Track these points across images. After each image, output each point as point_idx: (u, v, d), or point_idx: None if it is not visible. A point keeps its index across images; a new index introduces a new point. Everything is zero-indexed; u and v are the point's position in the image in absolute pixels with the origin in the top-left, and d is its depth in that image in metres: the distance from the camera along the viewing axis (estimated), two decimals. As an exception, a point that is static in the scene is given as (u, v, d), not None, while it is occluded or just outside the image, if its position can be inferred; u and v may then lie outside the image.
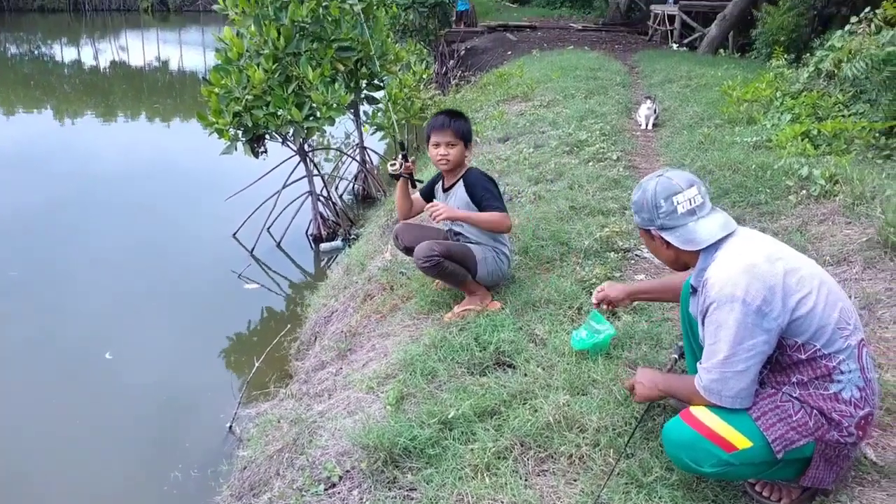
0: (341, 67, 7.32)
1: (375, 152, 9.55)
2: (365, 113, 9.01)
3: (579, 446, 2.54)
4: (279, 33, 6.63)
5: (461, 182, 3.77)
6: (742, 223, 4.61)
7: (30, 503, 3.90)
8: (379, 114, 8.47)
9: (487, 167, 6.41)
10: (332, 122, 6.87)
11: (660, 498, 2.29)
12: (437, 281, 4.14)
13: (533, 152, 6.82)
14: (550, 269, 4.20)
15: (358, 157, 9.19)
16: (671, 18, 17.76)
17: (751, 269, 2.06)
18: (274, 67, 6.61)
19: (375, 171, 9.31)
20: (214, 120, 6.68)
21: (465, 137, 3.72)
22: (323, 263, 7.32)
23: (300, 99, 6.70)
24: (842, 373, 2.08)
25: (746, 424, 2.09)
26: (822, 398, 2.10)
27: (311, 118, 6.73)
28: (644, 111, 8.27)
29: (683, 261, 2.36)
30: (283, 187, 7.72)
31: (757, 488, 2.32)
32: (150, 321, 5.91)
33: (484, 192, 3.64)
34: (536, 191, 5.61)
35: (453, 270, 3.61)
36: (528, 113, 8.70)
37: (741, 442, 2.08)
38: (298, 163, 7.74)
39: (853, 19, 7.12)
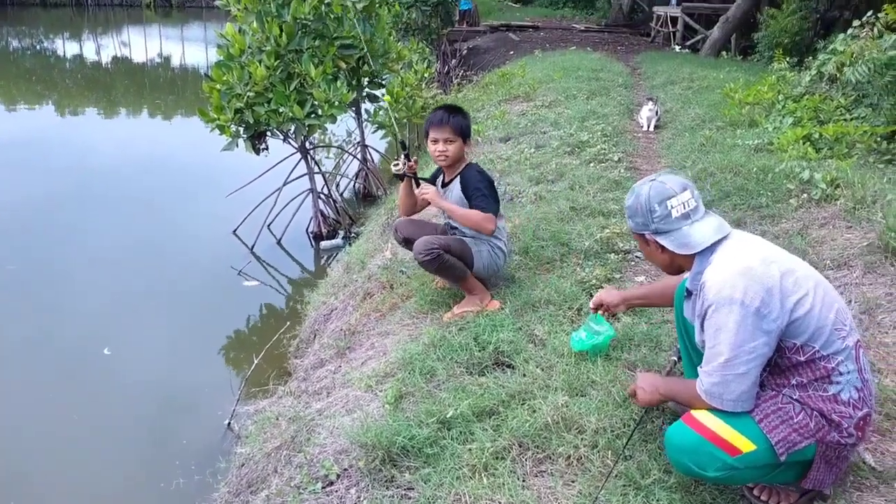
0: (343, 65, 7.32)
1: (377, 150, 9.55)
2: (366, 111, 9.01)
3: (577, 447, 2.54)
4: (281, 30, 6.62)
5: (458, 178, 3.78)
6: (743, 226, 4.65)
7: (28, 501, 3.89)
8: (380, 112, 8.47)
9: (489, 167, 6.41)
10: (333, 119, 6.87)
11: (658, 500, 2.28)
12: (436, 280, 4.15)
13: (534, 152, 6.82)
14: (550, 269, 4.19)
15: (359, 155, 9.19)
16: (674, 20, 17.75)
17: (747, 271, 2.06)
18: (276, 64, 6.60)
19: (376, 170, 9.31)
20: (216, 116, 6.68)
21: (464, 133, 3.72)
22: (323, 261, 7.33)
23: (302, 96, 6.70)
24: (840, 374, 2.09)
25: (750, 427, 2.09)
26: (822, 400, 2.10)
27: (312, 115, 6.73)
28: (646, 113, 8.26)
29: (678, 264, 2.36)
30: (284, 184, 7.72)
31: (755, 492, 2.32)
32: (150, 318, 5.91)
33: (474, 190, 3.65)
34: (537, 191, 5.61)
35: (453, 264, 3.62)
36: (529, 113, 8.69)
37: (745, 445, 2.07)
38: (299, 160, 7.74)
39: (855, 23, 7.11)
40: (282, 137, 7.35)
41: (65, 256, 7.09)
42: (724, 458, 2.08)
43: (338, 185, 9.27)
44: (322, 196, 7.85)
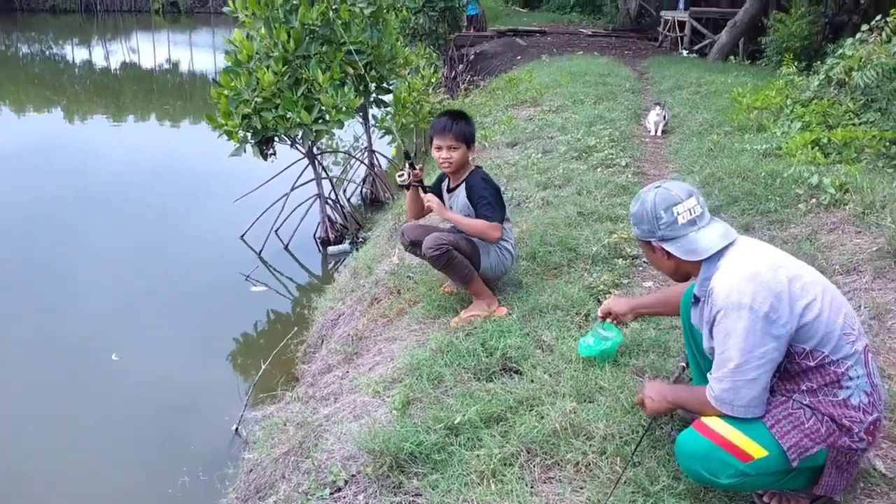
0: (351, 70, 7.34)
1: (384, 156, 9.56)
2: (374, 116, 9.03)
3: (586, 454, 2.53)
4: (289, 36, 6.65)
5: (464, 184, 3.80)
6: (751, 231, 4.63)
7: (34, 504, 3.91)
8: (388, 117, 8.48)
9: (496, 172, 6.41)
10: (340, 125, 6.88)
11: (666, 507, 2.27)
12: (444, 285, 4.15)
13: (541, 157, 6.82)
14: (558, 274, 4.19)
15: (366, 161, 9.20)
16: (681, 25, 17.73)
17: (755, 276, 2.06)
18: (283, 70, 6.62)
19: (384, 175, 9.32)
20: (224, 122, 6.69)
21: (468, 140, 3.74)
22: (330, 266, 7.33)
23: (309, 102, 6.71)
24: (850, 378, 2.08)
25: (761, 433, 2.08)
26: (832, 404, 2.09)
27: (319, 121, 6.74)
28: (653, 117, 8.25)
29: (685, 271, 2.35)
30: (292, 190, 7.74)
31: (765, 499, 2.30)
32: (157, 322, 5.93)
33: (479, 198, 3.68)
34: (544, 196, 5.61)
35: (460, 262, 3.65)
36: (536, 118, 8.70)
37: (757, 451, 2.06)
38: (307, 166, 7.76)
39: (864, 27, 7.09)
40: (289, 143, 7.37)
41: (73, 261, 7.12)
42: (737, 465, 2.06)
43: (345, 191, 9.29)
44: (329, 201, 7.87)
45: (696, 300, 2.33)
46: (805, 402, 2.12)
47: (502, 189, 5.74)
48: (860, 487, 2.35)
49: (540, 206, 5.40)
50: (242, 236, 7.61)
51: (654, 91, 11.25)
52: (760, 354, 2.03)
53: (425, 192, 3.99)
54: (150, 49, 28.32)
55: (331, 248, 7.59)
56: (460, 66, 17.09)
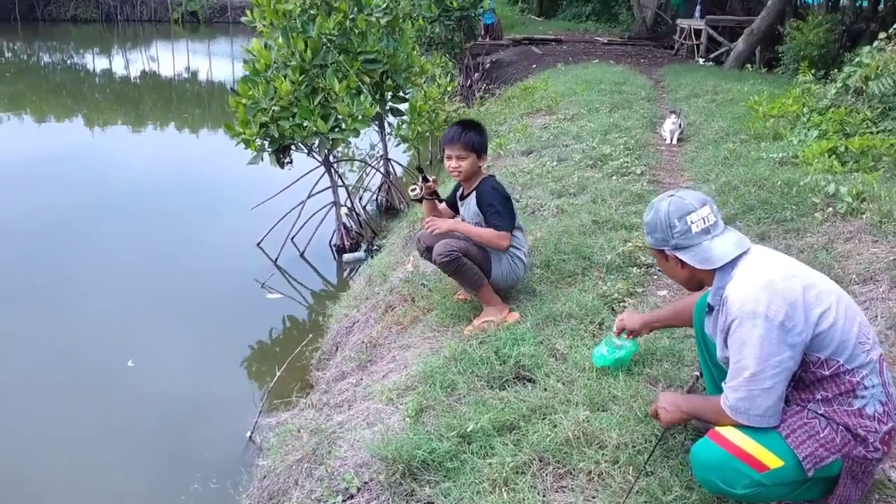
0: (367, 79, 7.39)
1: (399, 164, 9.60)
2: (389, 125, 9.07)
3: (598, 463, 2.52)
4: (306, 45, 6.70)
5: (474, 192, 3.83)
6: (767, 240, 4.61)
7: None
8: (403, 126, 8.52)
9: (510, 180, 6.42)
10: (356, 133, 6.92)
11: (679, 517, 2.27)
12: (458, 293, 4.17)
13: (556, 166, 6.82)
14: (572, 283, 4.19)
15: (382, 169, 9.25)
16: (697, 33, 17.67)
17: (770, 285, 2.06)
18: (301, 79, 6.68)
19: (399, 183, 9.36)
20: (241, 130, 6.76)
21: (477, 149, 3.78)
22: (345, 274, 7.37)
23: (326, 110, 6.76)
24: (865, 388, 2.07)
25: (777, 443, 2.07)
26: (847, 414, 2.08)
27: (336, 129, 6.78)
28: (669, 126, 8.23)
29: (698, 280, 2.35)
30: (308, 198, 7.79)
31: (778, 510, 2.29)
32: (174, 329, 5.98)
33: (488, 206, 3.72)
34: (559, 204, 5.61)
35: (469, 269, 3.68)
36: (552, 126, 8.70)
37: (772, 461, 2.05)
38: (323, 174, 7.81)
39: (881, 35, 7.04)
40: (306, 151, 7.42)
41: (91, 268, 7.20)
42: (752, 475, 2.06)
43: (361, 199, 9.33)
44: (345, 209, 7.91)
45: (710, 309, 2.33)
46: (820, 412, 2.11)
47: (517, 197, 5.80)
48: (875, 499, 2.32)
49: (555, 215, 5.40)
50: (259, 244, 7.66)
51: (669, 99, 11.22)
52: (776, 363, 2.02)
53: (440, 202, 4.04)
54: (170, 58, 28.59)
55: (346, 256, 7.62)
56: (476, 75, 17.13)
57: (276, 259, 7.43)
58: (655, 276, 4.32)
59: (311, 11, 6.93)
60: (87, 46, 30.73)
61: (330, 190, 7.74)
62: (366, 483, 2.72)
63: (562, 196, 5.87)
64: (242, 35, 32.24)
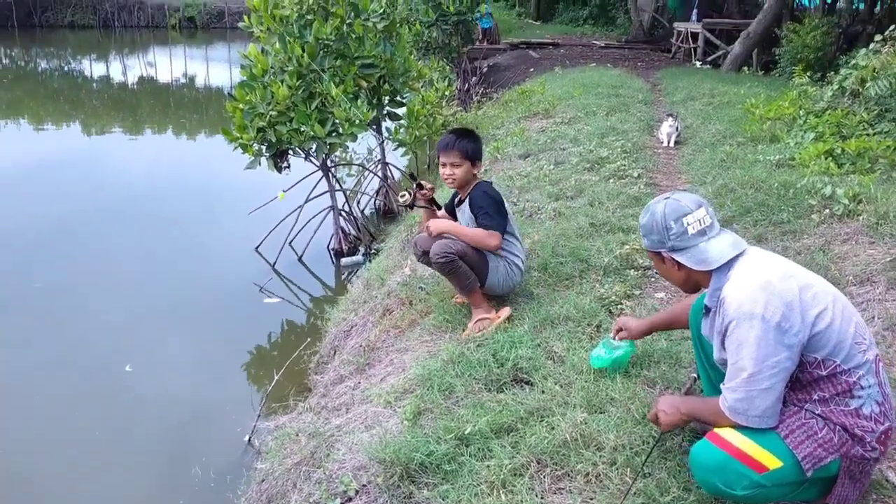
0: (364, 84, 7.40)
1: (397, 168, 9.61)
2: (387, 129, 9.09)
3: (596, 465, 2.53)
4: (303, 50, 6.72)
5: (468, 198, 3.87)
6: (764, 242, 4.62)
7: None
8: (401, 130, 8.53)
9: (508, 184, 6.43)
10: (354, 138, 6.93)
11: (677, 518, 2.27)
12: (455, 296, 4.17)
13: (553, 169, 6.83)
14: (570, 286, 4.19)
15: (380, 173, 9.26)
16: (694, 36, 17.70)
17: (767, 286, 2.06)
18: (298, 84, 6.69)
19: (397, 187, 9.36)
20: (239, 135, 6.77)
21: (472, 156, 3.83)
22: (343, 278, 7.37)
23: (323, 115, 6.77)
24: (862, 388, 2.08)
25: (775, 444, 2.08)
26: (844, 414, 2.09)
27: (333, 134, 6.80)
28: (666, 129, 8.24)
29: (695, 281, 2.35)
30: (306, 202, 7.80)
31: (776, 510, 2.29)
32: (171, 333, 5.98)
33: (478, 209, 3.77)
34: (556, 207, 5.62)
35: (465, 272, 3.71)
36: (549, 130, 8.72)
37: (772, 462, 2.06)
38: (321, 178, 7.81)
39: (877, 38, 7.06)
40: (303, 156, 7.42)
41: (89, 273, 7.19)
42: (752, 476, 2.06)
43: (358, 203, 9.33)
44: (343, 213, 7.92)
45: (707, 310, 2.33)
46: (817, 412, 2.12)
47: (514, 200, 5.81)
48: (872, 499, 2.33)
49: (552, 218, 5.41)
50: (257, 248, 7.66)
51: (666, 102, 11.24)
52: (773, 364, 2.03)
53: (439, 207, 4.07)
54: (167, 64, 28.62)
55: (344, 260, 7.62)
56: (473, 79, 17.13)
57: (274, 263, 7.44)
58: (653, 279, 4.33)
59: (308, 17, 6.94)
60: (85, 52, 30.76)
61: (328, 194, 7.75)
62: (364, 486, 2.72)
63: (559, 199, 5.88)
64: (240, 40, 32.25)
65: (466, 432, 2.75)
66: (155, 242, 8.09)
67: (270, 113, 6.64)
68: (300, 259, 7.64)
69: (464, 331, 3.81)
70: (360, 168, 10.53)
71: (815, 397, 2.12)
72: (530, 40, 22.01)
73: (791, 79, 9.89)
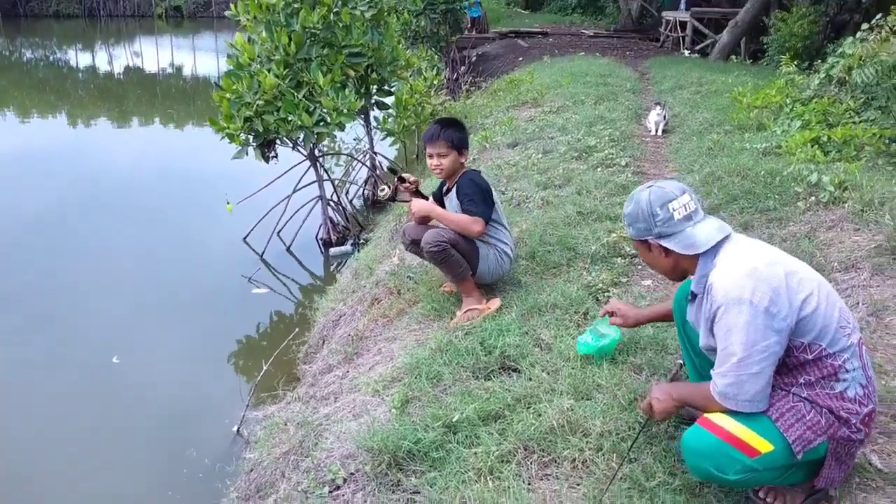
0: (352, 73, 7.37)
1: (385, 157, 9.59)
2: (375, 118, 9.06)
3: (582, 451, 2.55)
4: (290, 39, 6.68)
5: (455, 186, 3.88)
6: (750, 229, 4.64)
7: (36, 505, 3.93)
8: (389, 119, 8.50)
9: (496, 172, 6.43)
10: (342, 127, 6.90)
11: (662, 503, 2.29)
12: (443, 285, 4.18)
13: (541, 158, 6.84)
14: (557, 273, 4.21)
15: (368, 162, 9.23)
16: (683, 25, 17.73)
17: (754, 271, 2.08)
18: (285, 73, 6.65)
19: (385, 176, 9.34)
20: (226, 125, 6.72)
21: (458, 146, 3.83)
22: (332, 267, 7.35)
23: (311, 104, 6.74)
24: (846, 371, 2.11)
25: (766, 427, 2.10)
26: (830, 397, 2.11)
27: (321, 123, 6.76)
28: (654, 117, 8.26)
29: (682, 269, 2.36)
30: (294, 192, 7.77)
31: (761, 494, 2.32)
32: (159, 324, 5.95)
33: (464, 196, 3.78)
34: (544, 196, 5.62)
35: (457, 261, 3.72)
36: (537, 119, 8.71)
37: (763, 446, 2.08)
38: (309, 168, 7.78)
39: (864, 26, 7.09)
40: (291, 145, 7.39)
41: (76, 264, 7.15)
42: (744, 460, 2.08)
43: (347, 192, 9.30)
44: (331, 203, 7.89)
45: (693, 297, 2.34)
46: (803, 396, 2.14)
47: (502, 189, 5.82)
48: (856, 482, 2.36)
49: (540, 206, 5.42)
50: (245, 238, 7.63)
51: (654, 91, 11.25)
52: (763, 348, 2.05)
53: (426, 198, 4.08)
54: (154, 53, 28.42)
55: (332, 250, 7.61)
56: (462, 68, 17.11)
57: (263, 253, 7.41)
58: (639, 266, 4.34)
59: (295, 5, 6.90)
60: (70, 42, 30.49)
61: (316, 184, 7.73)
62: (352, 474, 2.73)
63: (547, 188, 5.89)
64: (227, 30, 32.05)
65: (454, 420, 2.76)
66: (142, 233, 8.04)
67: (257, 102, 6.60)
68: (288, 249, 7.62)
69: (452, 319, 3.82)
70: (349, 158, 10.49)
71: (802, 381, 2.14)
72: (519, 29, 21.98)
73: (778, 67, 9.91)
